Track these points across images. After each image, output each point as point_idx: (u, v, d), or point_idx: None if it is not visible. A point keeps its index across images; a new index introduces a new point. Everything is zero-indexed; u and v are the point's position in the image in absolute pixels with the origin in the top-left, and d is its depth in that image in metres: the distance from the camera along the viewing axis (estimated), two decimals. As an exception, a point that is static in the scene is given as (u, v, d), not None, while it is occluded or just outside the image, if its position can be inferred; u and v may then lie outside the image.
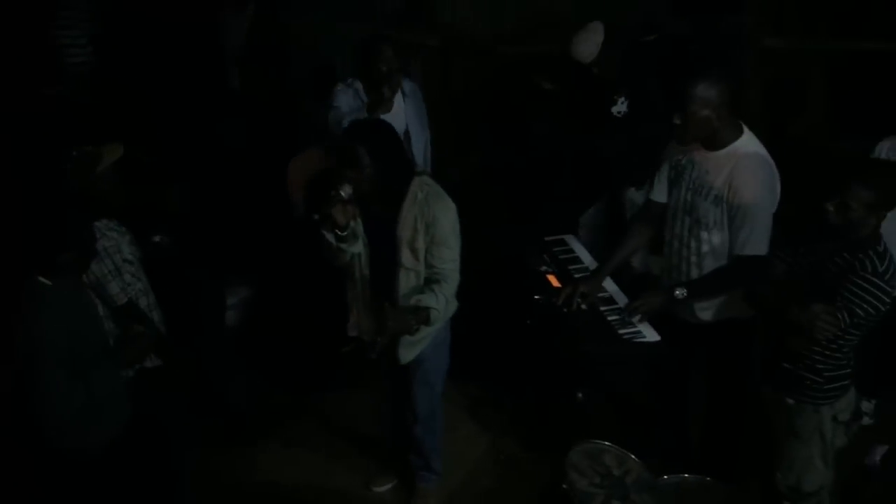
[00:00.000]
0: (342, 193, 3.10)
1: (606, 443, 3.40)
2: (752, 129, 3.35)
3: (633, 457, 3.34)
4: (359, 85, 4.32)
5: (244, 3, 5.80)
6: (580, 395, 3.77)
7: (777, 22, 5.56)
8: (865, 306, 2.84)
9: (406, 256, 3.26)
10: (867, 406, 4.16)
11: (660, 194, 3.55)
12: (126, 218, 3.44)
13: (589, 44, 4.42)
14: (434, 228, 3.21)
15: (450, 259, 3.28)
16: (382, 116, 4.23)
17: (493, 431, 4.30)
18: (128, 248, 3.36)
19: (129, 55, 5.83)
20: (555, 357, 3.96)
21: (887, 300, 2.87)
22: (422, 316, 3.25)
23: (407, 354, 3.45)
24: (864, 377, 3.31)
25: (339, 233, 3.18)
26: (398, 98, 4.35)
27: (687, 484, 3.36)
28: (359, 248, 3.30)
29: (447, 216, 3.24)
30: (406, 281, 3.30)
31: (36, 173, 4.32)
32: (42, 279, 2.89)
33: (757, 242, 3.25)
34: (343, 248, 3.24)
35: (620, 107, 4.53)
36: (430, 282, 3.29)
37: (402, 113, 4.34)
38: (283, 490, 3.99)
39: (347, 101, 4.29)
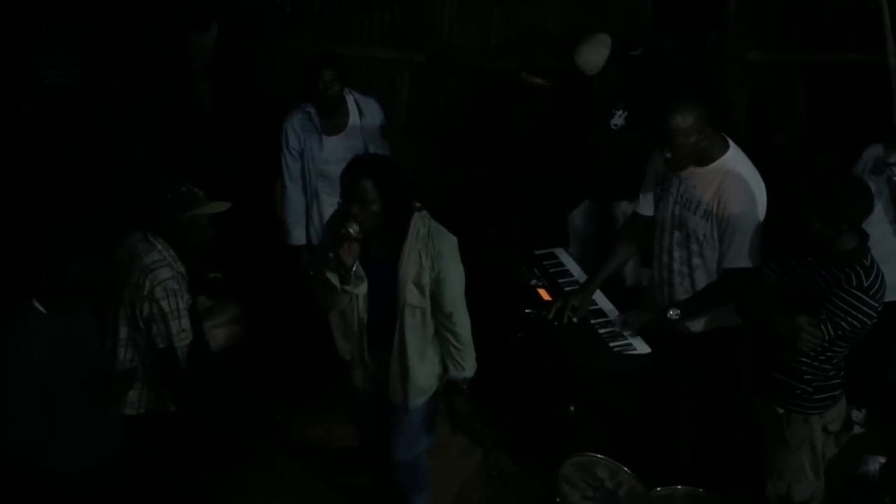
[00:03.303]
0: (351, 231, 2.93)
1: (598, 455, 3.41)
2: (737, 141, 3.39)
3: (625, 469, 3.35)
4: (310, 108, 4.30)
5: (207, 22, 5.82)
6: (572, 408, 3.77)
7: (760, 36, 5.62)
8: (850, 320, 2.86)
9: (412, 294, 3.10)
10: (857, 415, 4.18)
11: (646, 207, 3.58)
12: None
13: (596, 56, 4.37)
14: (439, 264, 3.08)
15: (459, 297, 3.17)
16: (333, 136, 4.29)
17: (484, 446, 4.28)
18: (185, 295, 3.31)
19: (108, 79, 5.86)
20: (546, 370, 3.97)
21: (873, 314, 2.89)
22: (458, 386, 3.33)
23: (415, 400, 3.29)
24: (855, 387, 3.34)
25: (345, 274, 3.01)
26: (354, 116, 4.34)
27: (679, 495, 3.38)
28: (364, 289, 3.10)
29: (452, 251, 3.13)
30: (411, 320, 3.15)
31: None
32: (37, 305, 2.84)
33: (746, 255, 3.29)
34: (347, 290, 3.05)
35: (618, 120, 4.55)
36: (446, 344, 3.23)
37: (357, 131, 4.32)
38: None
39: (296, 133, 4.29)
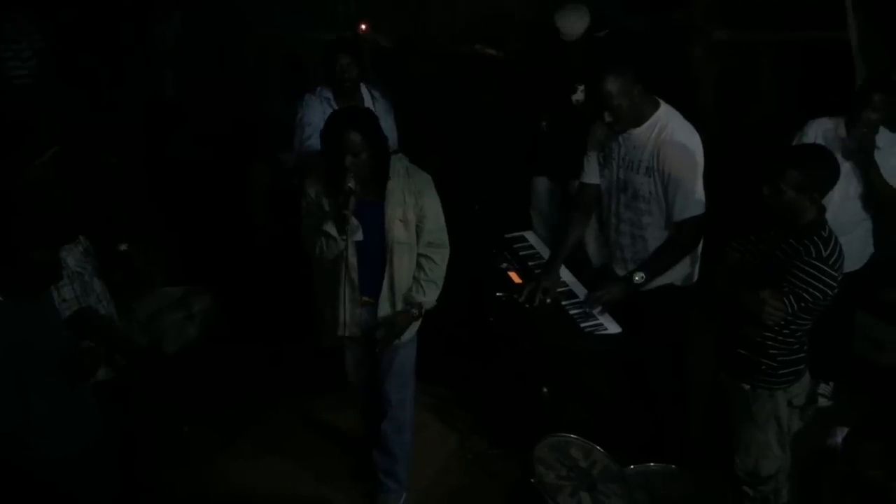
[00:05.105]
0: (351, 186, 3.10)
1: (572, 435, 3.44)
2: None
3: (598, 448, 3.38)
4: (328, 93, 4.32)
5: (171, 11, 5.79)
6: (545, 389, 3.80)
7: (726, 15, 5.64)
8: (812, 291, 2.90)
9: (399, 231, 3.30)
10: (825, 388, 4.24)
11: (591, 176, 3.65)
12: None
13: (579, 23, 4.46)
14: (422, 199, 3.30)
15: (439, 229, 3.37)
16: None
17: (460, 430, 4.30)
18: (74, 259, 3.29)
19: (70, 69, 5.79)
20: (519, 353, 3.98)
21: (833, 284, 2.93)
22: (415, 311, 3.40)
23: (405, 335, 3.50)
24: (822, 360, 3.38)
25: (343, 224, 3.19)
26: (368, 102, 4.38)
27: (653, 472, 3.42)
28: (360, 235, 3.27)
29: (430, 187, 3.34)
30: (399, 257, 3.33)
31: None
32: None
33: (694, 203, 3.39)
34: (345, 238, 3.23)
35: (579, 95, 4.57)
36: (419, 270, 3.37)
37: None
38: (252, 499, 3.96)
39: (316, 114, 4.25)
